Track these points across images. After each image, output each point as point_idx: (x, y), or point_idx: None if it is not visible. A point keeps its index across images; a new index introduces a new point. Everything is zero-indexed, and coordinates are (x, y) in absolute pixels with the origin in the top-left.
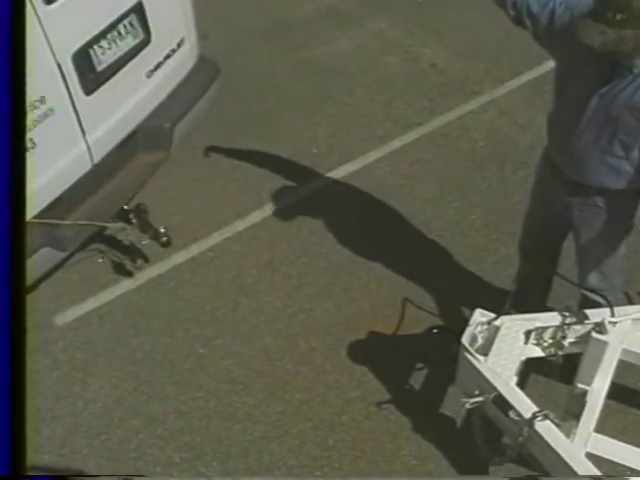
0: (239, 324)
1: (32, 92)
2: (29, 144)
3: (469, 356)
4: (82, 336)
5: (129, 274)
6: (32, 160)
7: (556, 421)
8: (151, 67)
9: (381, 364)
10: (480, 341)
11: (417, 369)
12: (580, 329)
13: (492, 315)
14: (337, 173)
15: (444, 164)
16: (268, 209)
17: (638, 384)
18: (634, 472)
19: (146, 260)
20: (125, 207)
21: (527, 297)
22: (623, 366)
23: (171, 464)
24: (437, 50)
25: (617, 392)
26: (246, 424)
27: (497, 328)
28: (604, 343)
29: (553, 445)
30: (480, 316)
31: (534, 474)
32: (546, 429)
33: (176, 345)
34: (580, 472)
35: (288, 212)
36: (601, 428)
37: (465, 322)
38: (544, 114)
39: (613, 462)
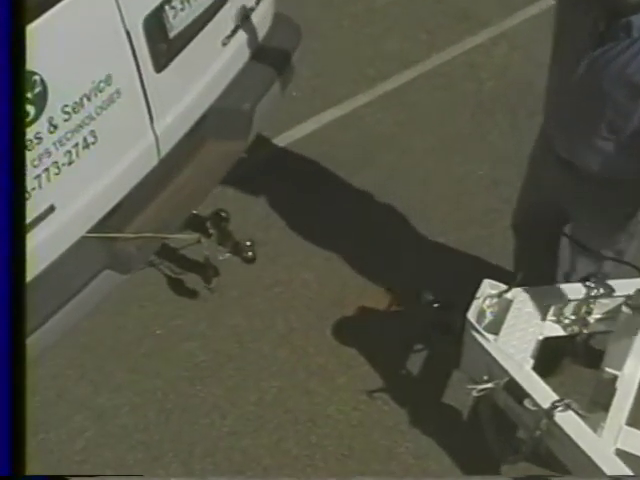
0: (204, 300)
1: (97, 71)
2: (90, 138)
3: (476, 335)
4: None
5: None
6: (93, 159)
7: (580, 412)
8: (227, 32)
9: (372, 345)
10: (489, 317)
11: (415, 351)
12: (608, 303)
13: (503, 286)
14: (320, 119)
15: (446, 109)
16: None
17: None
18: None
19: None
20: (195, 213)
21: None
22: None
23: (124, 466)
24: None
25: None
26: (213, 418)
27: (509, 302)
28: (637, 320)
29: (576, 440)
30: (489, 288)
31: (542, 475)
32: (568, 421)
33: (129, 326)
34: (609, 472)
35: (262, 165)
36: (634, 420)
37: (471, 295)
38: None
39: None
